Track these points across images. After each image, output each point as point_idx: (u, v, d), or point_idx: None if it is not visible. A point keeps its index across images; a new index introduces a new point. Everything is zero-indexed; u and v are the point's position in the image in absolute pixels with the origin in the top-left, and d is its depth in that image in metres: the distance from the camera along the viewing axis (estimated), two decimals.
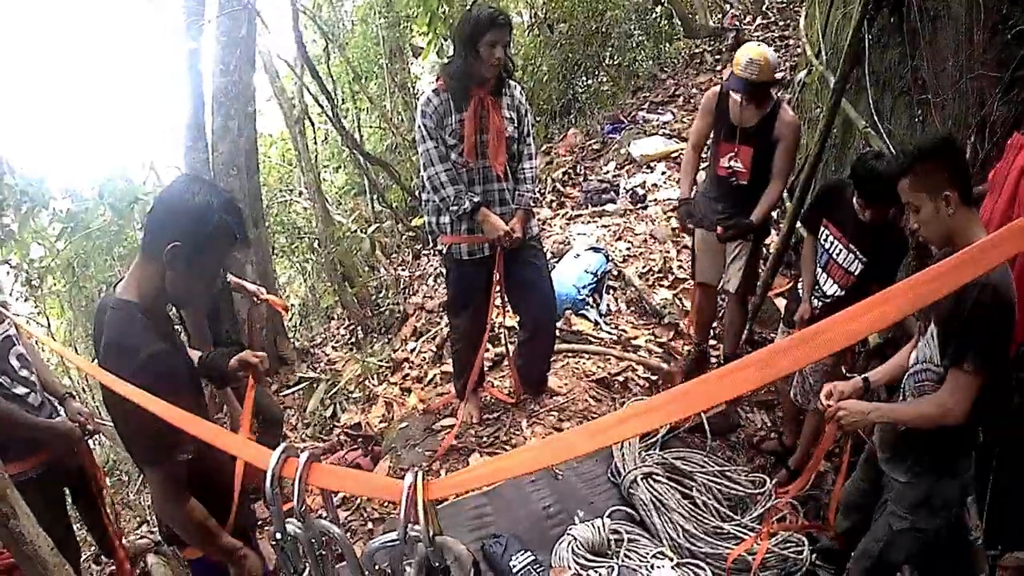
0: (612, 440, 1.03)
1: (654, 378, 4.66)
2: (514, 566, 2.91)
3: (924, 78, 3.74)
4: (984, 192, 2.81)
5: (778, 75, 3.65)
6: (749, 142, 3.85)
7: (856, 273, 3.26)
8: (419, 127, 3.50)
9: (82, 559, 4.00)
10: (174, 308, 3.84)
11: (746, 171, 3.90)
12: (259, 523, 2.97)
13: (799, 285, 3.65)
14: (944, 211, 2.13)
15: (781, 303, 4.78)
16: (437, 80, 3.55)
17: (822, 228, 3.41)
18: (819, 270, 3.44)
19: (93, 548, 4.31)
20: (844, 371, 3.40)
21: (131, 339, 1.78)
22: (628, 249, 6.25)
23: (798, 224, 4.03)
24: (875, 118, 4.20)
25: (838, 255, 3.31)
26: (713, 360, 4.72)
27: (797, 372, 3.56)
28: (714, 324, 4.84)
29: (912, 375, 2.41)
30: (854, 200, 3.13)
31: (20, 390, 2.98)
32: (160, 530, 2.41)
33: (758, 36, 9.99)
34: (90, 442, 3.37)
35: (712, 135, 4.08)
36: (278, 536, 1.39)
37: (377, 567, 1.44)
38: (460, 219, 3.59)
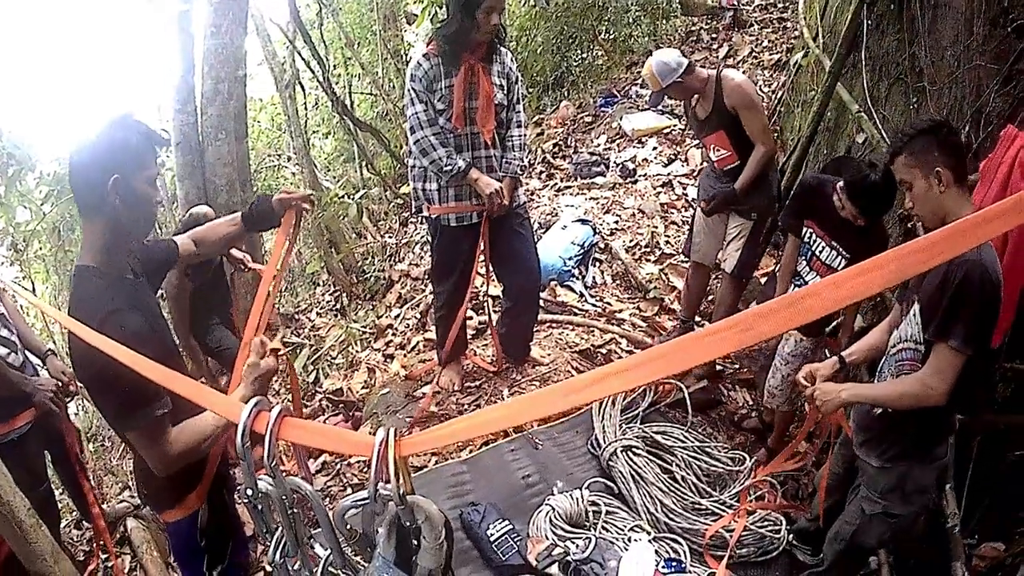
0: (587, 399, 1.01)
1: (637, 351, 4.64)
2: (491, 534, 2.92)
3: (921, 66, 3.72)
4: (975, 182, 2.81)
5: (669, 79, 3.82)
6: (717, 127, 3.91)
7: (839, 269, 3.23)
8: (408, 91, 3.45)
9: (63, 524, 3.99)
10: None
11: (732, 152, 3.92)
12: (238, 486, 2.95)
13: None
14: (936, 188, 2.14)
15: None
16: (428, 44, 3.49)
17: (804, 228, 3.39)
18: (803, 262, 3.41)
19: (74, 513, 4.30)
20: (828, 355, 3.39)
21: (87, 303, 1.79)
22: (616, 222, 6.22)
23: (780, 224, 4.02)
24: (870, 103, 4.18)
25: (820, 252, 3.28)
26: None
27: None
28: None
29: (892, 355, 2.40)
30: (834, 198, 3.09)
31: (0, 350, 2.96)
32: (139, 493, 2.38)
33: (756, 17, 9.92)
34: (72, 405, 3.35)
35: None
36: (249, 492, 1.37)
37: (349, 527, 1.43)
38: (448, 185, 3.56)
